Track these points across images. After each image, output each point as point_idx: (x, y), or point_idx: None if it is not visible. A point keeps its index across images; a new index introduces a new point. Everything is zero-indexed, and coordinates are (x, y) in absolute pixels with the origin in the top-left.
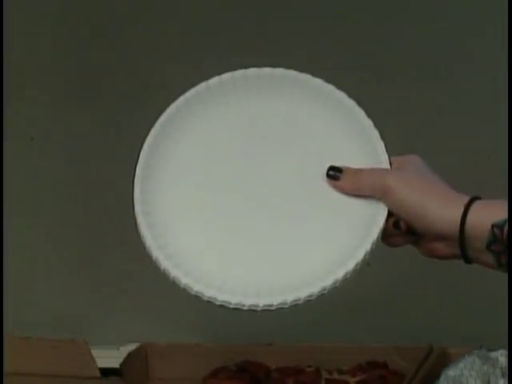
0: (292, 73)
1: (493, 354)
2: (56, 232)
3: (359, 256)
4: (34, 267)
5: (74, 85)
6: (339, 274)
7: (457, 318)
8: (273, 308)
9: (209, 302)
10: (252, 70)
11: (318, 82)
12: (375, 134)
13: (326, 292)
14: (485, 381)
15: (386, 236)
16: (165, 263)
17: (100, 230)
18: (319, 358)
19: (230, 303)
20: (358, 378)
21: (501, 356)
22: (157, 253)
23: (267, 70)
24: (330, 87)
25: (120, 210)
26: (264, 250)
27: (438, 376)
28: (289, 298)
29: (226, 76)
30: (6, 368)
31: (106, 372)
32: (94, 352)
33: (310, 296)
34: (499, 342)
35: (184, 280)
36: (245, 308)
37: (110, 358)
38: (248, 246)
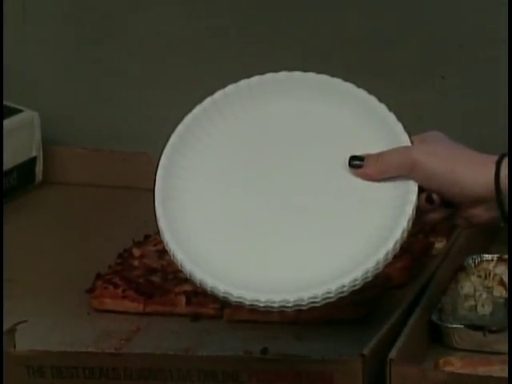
0: (296, 74)
1: None
2: None
3: (397, 235)
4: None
5: None
6: (380, 254)
7: None
8: (318, 300)
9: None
10: (255, 79)
11: (325, 77)
12: (391, 116)
13: (369, 276)
14: None
15: (420, 214)
16: (201, 275)
17: None
18: None
19: (274, 302)
20: None
21: None
22: (191, 266)
23: (270, 75)
24: (337, 80)
25: None
26: (298, 246)
27: None
28: (332, 286)
29: (230, 88)
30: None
31: None
32: None
33: (355, 281)
34: None
35: (222, 287)
36: (290, 305)
37: None
38: (280, 244)
